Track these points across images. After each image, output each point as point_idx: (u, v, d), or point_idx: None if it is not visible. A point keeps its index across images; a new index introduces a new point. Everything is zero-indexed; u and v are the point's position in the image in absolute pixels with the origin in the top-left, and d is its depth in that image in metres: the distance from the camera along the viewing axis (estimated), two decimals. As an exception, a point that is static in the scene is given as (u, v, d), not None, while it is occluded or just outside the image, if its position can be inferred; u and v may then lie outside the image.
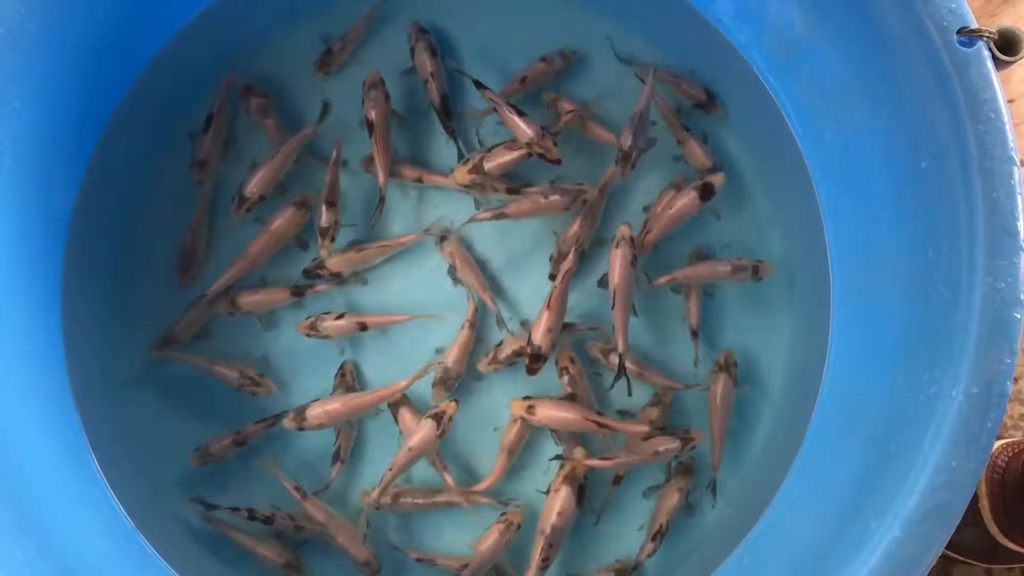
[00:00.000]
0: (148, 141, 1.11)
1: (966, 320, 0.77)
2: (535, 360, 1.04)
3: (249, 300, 1.10)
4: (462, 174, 1.08)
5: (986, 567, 1.11)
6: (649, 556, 1.04)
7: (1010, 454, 1.01)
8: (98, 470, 0.94)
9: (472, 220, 1.09)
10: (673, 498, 1.06)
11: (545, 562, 1.01)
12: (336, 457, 1.08)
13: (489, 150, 1.08)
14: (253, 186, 1.10)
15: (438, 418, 1.04)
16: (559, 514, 1.01)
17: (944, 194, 0.80)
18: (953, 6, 0.80)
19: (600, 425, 1.03)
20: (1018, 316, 0.75)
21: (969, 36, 0.79)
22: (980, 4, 1.14)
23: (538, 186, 1.10)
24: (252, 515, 1.05)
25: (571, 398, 1.07)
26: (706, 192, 1.07)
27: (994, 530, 1.01)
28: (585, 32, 1.14)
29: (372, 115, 1.11)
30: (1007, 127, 0.77)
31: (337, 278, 1.11)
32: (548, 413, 1.04)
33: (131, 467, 1.03)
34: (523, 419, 1.05)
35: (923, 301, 0.83)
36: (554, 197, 1.08)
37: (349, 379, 1.10)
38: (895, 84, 0.86)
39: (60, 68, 0.93)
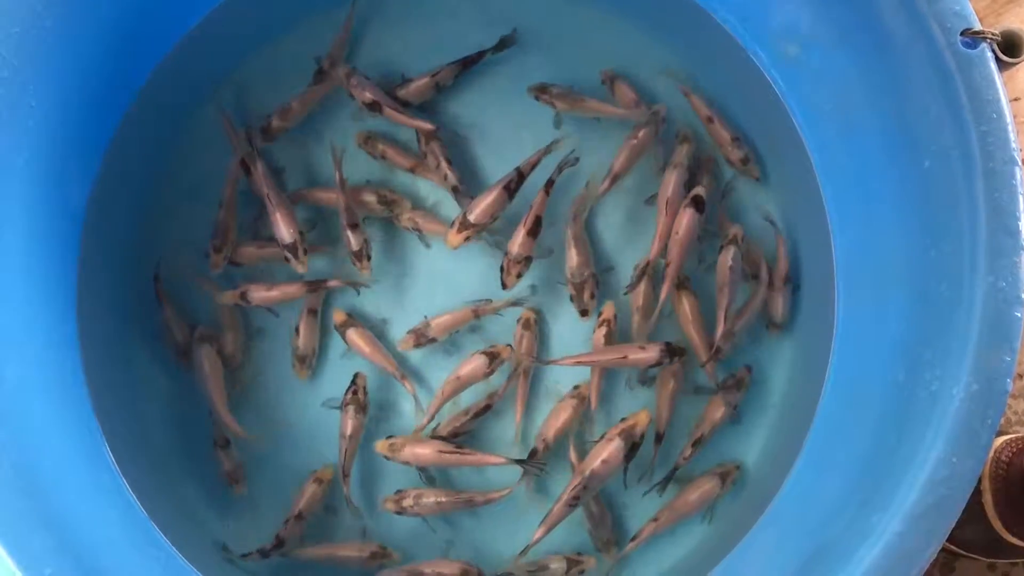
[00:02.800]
0: (163, 136, 1.12)
1: (967, 318, 0.78)
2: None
3: (260, 295, 1.10)
4: (456, 238, 1.07)
5: (989, 562, 1.11)
6: (686, 461, 1.06)
7: (1014, 450, 1.02)
8: (113, 462, 0.94)
9: (598, 196, 1.11)
10: (718, 411, 1.07)
11: (575, 500, 1.02)
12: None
13: (469, 203, 1.08)
14: (277, 119, 1.12)
15: (491, 357, 1.07)
16: (603, 461, 1.01)
17: (946, 194, 0.81)
18: (957, 8, 0.80)
19: (459, 459, 1.06)
20: (1019, 315, 0.76)
21: (973, 37, 0.80)
22: (984, 5, 1.14)
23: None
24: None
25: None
26: (698, 204, 1.07)
27: (997, 525, 1.01)
28: (587, 27, 1.15)
29: (367, 95, 1.10)
30: (1009, 128, 0.78)
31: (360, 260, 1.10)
32: (408, 451, 1.06)
33: (146, 459, 1.03)
34: (385, 455, 1.07)
35: (925, 299, 0.83)
36: (641, 132, 1.09)
37: (361, 396, 1.09)
38: (899, 84, 0.86)
39: (75, 64, 0.94)
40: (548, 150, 1.08)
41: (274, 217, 1.07)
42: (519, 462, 1.05)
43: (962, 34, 0.80)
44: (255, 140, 1.11)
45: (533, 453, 1.07)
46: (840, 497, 0.85)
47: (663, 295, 1.05)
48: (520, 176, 1.07)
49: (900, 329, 0.87)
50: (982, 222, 0.78)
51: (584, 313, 1.11)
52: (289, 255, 1.07)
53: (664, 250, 1.06)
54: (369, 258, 1.10)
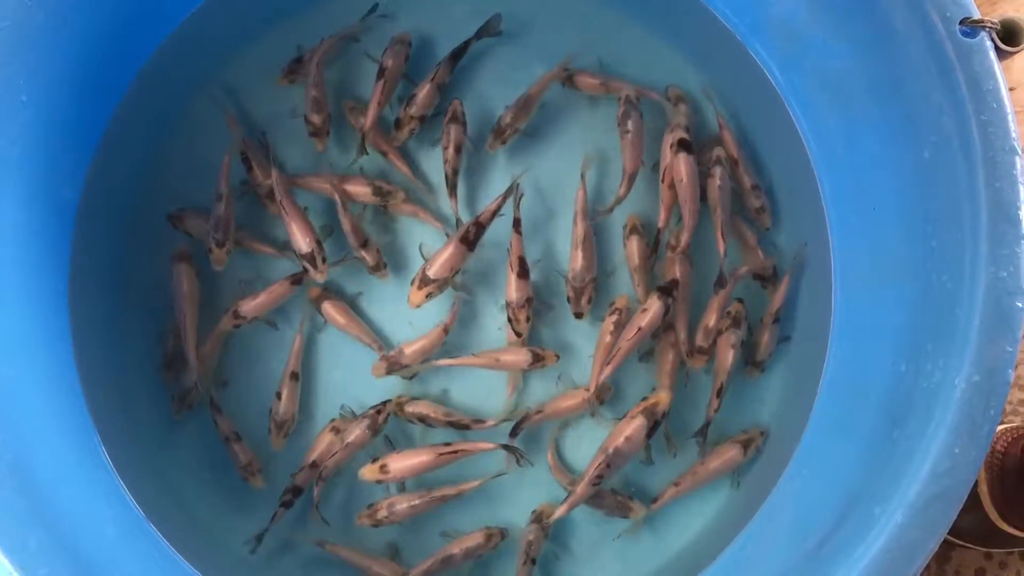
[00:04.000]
0: (155, 130, 1.11)
1: (969, 309, 0.78)
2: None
3: (251, 306, 1.09)
4: (417, 296, 1.07)
5: (985, 551, 1.12)
6: (716, 412, 1.05)
7: (1009, 439, 1.02)
8: (108, 460, 0.94)
9: (619, 199, 1.10)
10: (728, 355, 1.06)
11: (599, 479, 1.01)
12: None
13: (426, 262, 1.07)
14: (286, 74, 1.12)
15: (536, 357, 1.08)
16: (626, 439, 1.01)
17: (947, 184, 0.81)
18: (956, -4, 0.80)
19: (452, 453, 1.05)
20: (1020, 305, 0.76)
21: (972, 27, 0.79)
22: (982, -7, 1.15)
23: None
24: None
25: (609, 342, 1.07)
26: (685, 146, 1.06)
27: (993, 515, 1.02)
28: (581, 18, 1.14)
29: (389, 62, 1.10)
30: (1009, 118, 0.78)
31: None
32: (401, 465, 1.05)
33: (140, 455, 1.03)
34: (376, 480, 1.06)
35: (926, 290, 0.83)
36: (629, 122, 1.09)
37: (381, 419, 1.08)
38: (898, 74, 0.86)
39: (67, 59, 0.93)
40: (506, 196, 1.07)
41: (290, 227, 1.06)
42: (507, 448, 1.05)
43: (961, 23, 0.80)
44: (270, 149, 1.10)
45: (520, 423, 1.07)
46: (842, 490, 0.85)
47: (684, 241, 1.07)
48: (479, 227, 1.06)
49: (901, 320, 0.87)
50: (983, 212, 0.78)
51: (579, 316, 1.11)
52: (307, 265, 1.07)
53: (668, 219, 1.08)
54: (386, 266, 1.11)
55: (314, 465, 1.07)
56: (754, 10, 1.01)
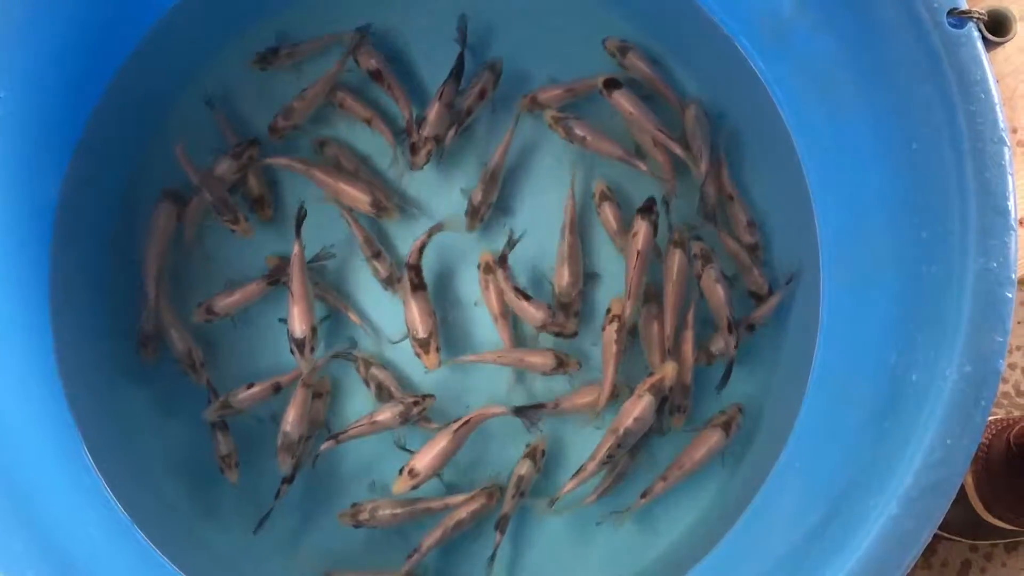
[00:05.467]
0: (136, 126, 1.10)
1: (959, 299, 0.77)
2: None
3: (225, 304, 1.09)
4: (402, 487, 1.04)
5: (971, 543, 1.12)
6: (736, 348, 1.05)
7: (994, 431, 1.02)
8: (91, 463, 0.93)
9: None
10: (717, 291, 1.06)
11: (609, 458, 1.02)
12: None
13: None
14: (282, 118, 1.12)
15: (560, 362, 1.08)
16: (636, 419, 1.01)
17: (935, 175, 0.81)
18: (943, -13, 0.80)
19: (465, 424, 1.04)
20: (1010, 295, 0.76)
21: (959, 17, 0.79)
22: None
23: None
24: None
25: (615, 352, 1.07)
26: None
27: (978, 506, 1.02)
28: (572, 15, 1.14)
29: (373, 62, 1.11)
30: (998, 108, 0.78)
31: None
32: (426, 461, 1.04)
33: (124, 458, 1.02)
34: (411, 487, 1.04)
35: (915, 281, 0.83)
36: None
37: (416, 411, 1.06)
38: (885, 66, 0.86)
39: (46, 55, 0.92)
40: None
41: (292, 309, 1.05)
42: (518, 411, 1.05)
43: (949, 14, 0.79)
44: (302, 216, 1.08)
45: (531, 409, 1.06)
46: (833, 482, 0.85)
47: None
48: (467, 424, 1.05)
49: (890, 312, 0.87)
50: (972, 202, 0.78)
51: (558, 335, 1.10)
52: (295, 349, 1.05)
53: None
54: (399, 280, 1.10)
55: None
56: (739, 2, 1.01)
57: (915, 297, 0.83)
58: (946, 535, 1.09)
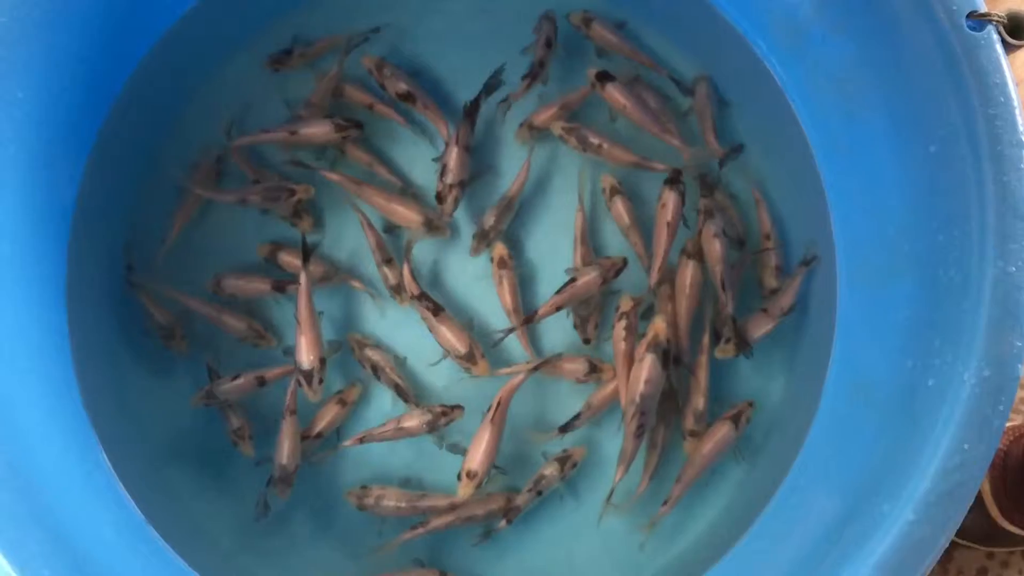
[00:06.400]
0: (152, 127, 1.10)
1: (977, 303, 0.77)
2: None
3: (233, 284, 1.10)
4: (467, 490, 1.04)
5: (987, 550, 1.11)
6: (730, 306, 1.03)
7: (1011, 438, 1.02)
8: (105, 459, 0.93)
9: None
10: (715, 246, 1.05)
11: (640, 429, 1.01)
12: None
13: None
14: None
15: (593, 368, 1.08)
16: (646, 382, 1.01)
17: (954, 178, 0.80)
18: (962, -10, 0.80)
19: (497, 408, 1.04)
20: (1029, 299, 0.76)
21: (978, 20, 0.79)
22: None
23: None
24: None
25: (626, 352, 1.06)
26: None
27: (995, 513, 1.02)
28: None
29: (402, 85, 1.11)
30: (1017, 111, 0.77)
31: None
32: (479, 459, 1.03)
33: (139, 456, 1.03)
34: (475, 486, 1.04)
35: (933, 285, 0.83)
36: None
37: (434, 421, 1.06)
38: (903, 69, 0.85)
39: (63, 55, 0.92)
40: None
41: (299, 339, 1.05)
42: (563, 429, 1.06)
43: (968, 17, 0.79)
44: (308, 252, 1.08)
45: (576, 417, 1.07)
46: (848, 487, 0.85)
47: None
48: (499, 407, 1.05)
49: (907, 315, 0.86)
50: (990, 206, 0.77)
51: (587, 342, 1.10)
52: (303, 380, 1.05)
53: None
54: (418, 298, 1.09)
55: (318, 436, 1.08)
56: (756, 4, 1.00)
57: (932, 301, 0.83)
58: (962, 542, 1.08)
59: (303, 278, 1.05)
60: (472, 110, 1.09)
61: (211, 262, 1.12)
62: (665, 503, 1.04)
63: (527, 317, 1.08)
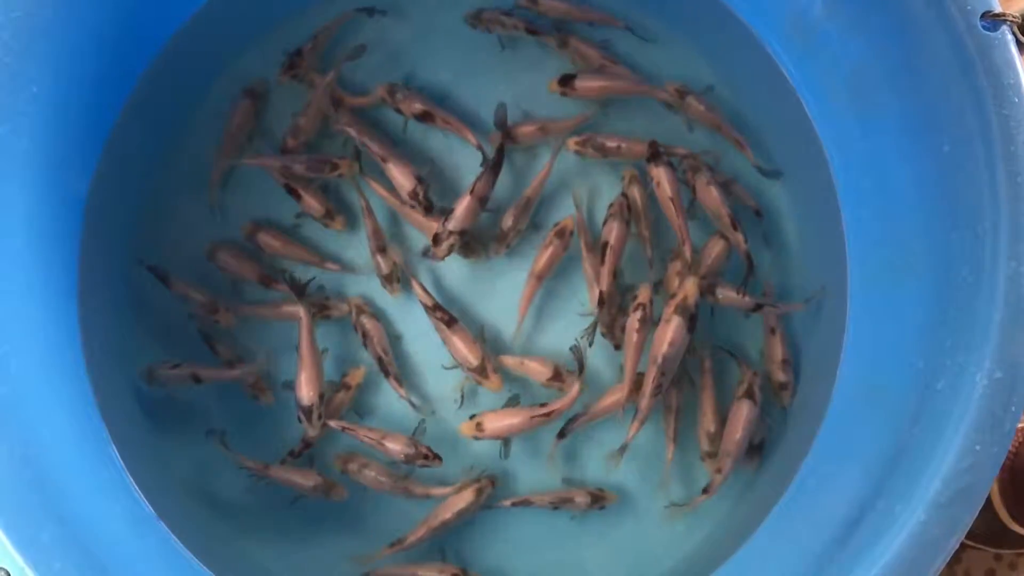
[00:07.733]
0: (165, 122, 1.10)
1: (989, 304, 0.77)
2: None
3: (224, 258, 1.10)
4: (467, 431, 1.07)
5: (995, 552, 1.11)
6: (747, 243, 1.04)
7: (1020, 439, 1.02)
8: (116, 454, 0.93)
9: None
10: (711, 194, 1.05)
11: (658, 388, 1.01)
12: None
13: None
14: (291, 137, 1.11)
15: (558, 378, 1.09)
16: (670, 344, 1.01)
17: (967, 178, 0.80)
18: (976, -10, 0.80)
19: (545, 415, 1.05)
20: (1042, 300, 0.76)
21: (993, 20, 0.79)
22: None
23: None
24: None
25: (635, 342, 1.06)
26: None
27: (1004, 515, 1.02)
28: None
29: (417, 105, 1.09)
30: (1031, 112, 0.78)
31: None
32: (495, 425, 1.05)
33: (150, 451, 1.03)
34: (472, 436, 1.07)
35: (945, 285, 0.83)
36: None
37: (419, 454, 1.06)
38: (917, 68, 0.85)
39: (76, 50, 0.92)
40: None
41: (299, 375, 1.05)
42: (560, 435, 1.06)
43: (982, 17, 0.79)
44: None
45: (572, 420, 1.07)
46: (859, 487, 0.85)
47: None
48: (546, 415, 1.06)
49: (919, 316, 0.86)
50: (1003, 206, 0.77)
51: (618, 347, 1.10)
52: (303, 416, 1.05)
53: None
54: (399, 280, 1.10)
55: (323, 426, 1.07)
56: (769, 4, 1.00)
57: (944, 301, 0.83)
58: (971, 544, 1.08)
59: (304, 314, 1.05)
60: (497, 161, 1.07)
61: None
62: (705, 491, 1.05)
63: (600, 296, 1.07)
